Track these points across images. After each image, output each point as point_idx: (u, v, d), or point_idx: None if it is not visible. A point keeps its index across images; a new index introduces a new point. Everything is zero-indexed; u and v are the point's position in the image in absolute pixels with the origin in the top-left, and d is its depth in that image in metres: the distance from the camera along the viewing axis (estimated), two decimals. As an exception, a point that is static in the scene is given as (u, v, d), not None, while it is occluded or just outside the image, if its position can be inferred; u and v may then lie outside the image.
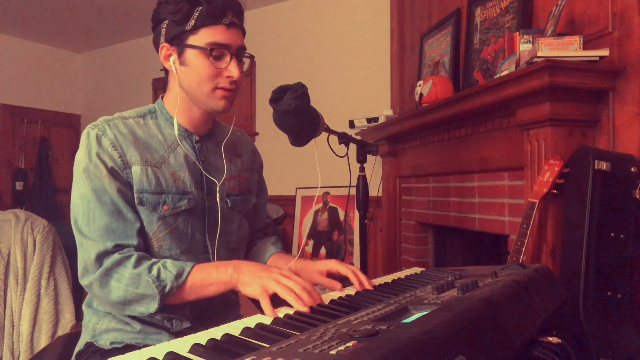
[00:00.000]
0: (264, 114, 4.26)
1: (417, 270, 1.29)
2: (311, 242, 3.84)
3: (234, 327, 0.76)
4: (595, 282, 1.41)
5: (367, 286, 1.06)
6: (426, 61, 2.77)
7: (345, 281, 1.11)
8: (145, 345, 1.04)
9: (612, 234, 1.43)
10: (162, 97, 1.21)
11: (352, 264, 1.66)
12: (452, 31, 2.48)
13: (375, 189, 3.33)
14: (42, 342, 2.09)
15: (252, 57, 1.19)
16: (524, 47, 1.70)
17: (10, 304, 2.11)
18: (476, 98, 1.90)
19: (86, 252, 1.05)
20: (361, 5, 3.75)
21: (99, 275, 1.03)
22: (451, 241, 2.80)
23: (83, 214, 1.06)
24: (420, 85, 2.36)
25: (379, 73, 3.58)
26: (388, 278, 1.16)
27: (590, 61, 1.53)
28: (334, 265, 1.15)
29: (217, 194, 1.19)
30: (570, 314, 1.41)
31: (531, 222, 1.54)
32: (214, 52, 1.09)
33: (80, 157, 1.09)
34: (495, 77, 1.80)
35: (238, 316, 1.29)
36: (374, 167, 3.38)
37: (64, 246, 2.29)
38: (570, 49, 1.53)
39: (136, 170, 1.09)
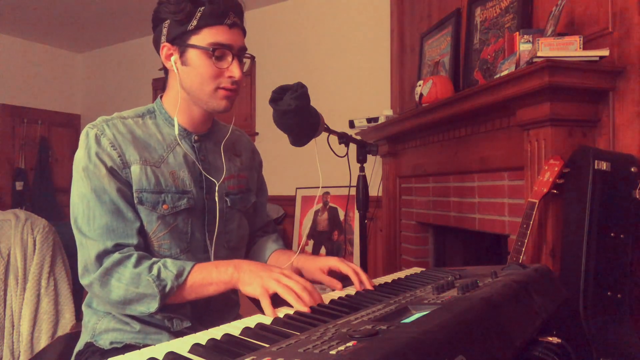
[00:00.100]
0: (264, 114, 4.26)
1: (417, 270, 1.29)
2: (311, 242, 3.84)
3: (234, 327, 0.76)
4: (595, 282, 1.41)
5: (368, 285, 1.06)
6: (426, 61, 2.77)
7: (346, 280, 1.11)
8: (145, 345, 1.05)
9: (612, 234, 1.43)
10: (161, 97, 1.21)
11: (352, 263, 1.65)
12: (452, 31, 2.48)
13: (375, 189, 3.33)
14: (42, 342, 2.09)
15: (252, 58, 1.19)
16: (524, 47, 1.70)
17: (10, 304, 2.11)
18: (476, 98, 1.90)
19: (86, 252, 1.05)
20: (361, 5, 3.75)
21: (100, 275, 1.03)
22: (451, 241, 2.80)
23: (83, 214, 1.06)
24: (420, 85, 2.36)
25: (379, 73, 3.58)
26: (388, 278, 1.16)
27: (590, 61, 1.53)
28: (335, 263, 1.15)
29: (216, 193, 1.19)
30: (570, 314, 1.41)
31: (531, 222, 1.54)
32: (216, 52, 1.09)
33: (79, 156, 1.09)
34: (495, 77, 1.80)
35: (238, 316, 1.29)
36: (374, 167, 3.38)
37: (64, 246, 2.29)
38: (570, 49, 1.53)
39: (135, 170, 1.09)
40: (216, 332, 0.74)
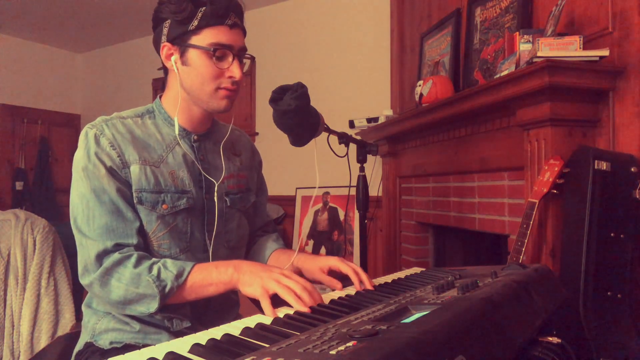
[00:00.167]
0: (264, 114, 4.26)
1: (417, 270, 1.29)
2: (311, 242, 3.84)
3: (234, 327, 0.76)
4: (595, 282, 1.41)
5: (368, 285, 1.06)
6: (426, 61, 2.77)
7: (346, 280, 1.11)
8: (144, 345, 1.05)
9: (612, 234, 1.43)
10: (160, 97, 1.21)
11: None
12: (452, 31, 2.48)
13: (375, 189, 3.33)
14: (42, 342, 2.09)
15: (252, 58, 1.20)
16: (524, 47, 1.70)
17: (10, 304, 2.11)
18: (476, 98, 1.90)
19: (86, 252, 1.05)
20: (361, 5, 3.75)
21: (100, 275, 1.03)
22: (451, 241, 2.80)
23: (82, 214, 1.06)
24: (420, 85, 2.36)
25: (379, 73, 3.58)
26: (388, 278, 1.16)
27: (590, 61, 1.53)
28: (335, 262, 1.15)
29: (216, 193, 1.19)
30: (570, 314, 1.41)
31: (531, 222, 1.54)
32: (217, 52, 1.09)
33: (78, 157, 1.09)
34: (495, 77, 1.80)
35: (238, 315, 1.29)
36: (374, 167, 3.38)
37: (64, 246, 2.29)
38: (570, 49, 1.53)
39: (135, 170, 1.09)
40: (216, 332, 0.74)
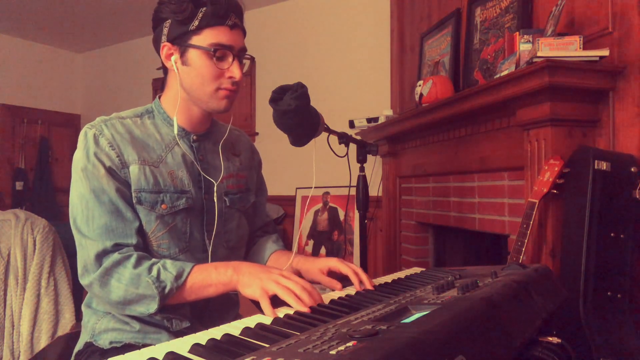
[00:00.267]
0: (264, 114, 4.26)
1: (417, 270, 1.29)
2: (311, 242, 3.84)
3: (234, 327, 0.76)
4: (595, 282, 1.41)
5: (368, 285, 1.06)
6: (426, 61, 2.77)
7: (346, 280, 1.11)
8: (144, 345, 1.05)
9: (612, 234, 1.43)
10: (160, 97, 1.21)
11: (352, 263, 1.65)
12: (452, 31, 2.48)
13: (375, 189, 3.33)
14: (42, 342, 2.09)
15: (252, 59, 1.20)
16: (524, 47, 1.70)
17: (10, 304, 2.11)
18: (476, 98, 1.90)
19: (85, 252, 1.05)
20: (361, 5, 3.75)
21: (99, 275, 1.03)
22: (451, 241, 2.80)
23: (82, 214, 1.06)
24: (420, 85, 2.36)
25: (379, 73, 3.58)
26: (388, 278, 1.16)
27: (590, 61, 1.53)
28: (335, 263, 1.15)
29: (215, 193, 1.19)
30: (570, 314, 1.41)
31: (531, 222, 1.54)
32: (217, 52, 1.09)
33: (78, 157, 1.09)
34: (495, 77, 1.80)
35: (237, 315, 1.29)
36: (374, 167, 3.38)
37: (64, 246, 2.29)
38: (570, 49, 1.53)
39: (134, 170, 1.09)
40: (216, 332, 0.74)
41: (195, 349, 0.66)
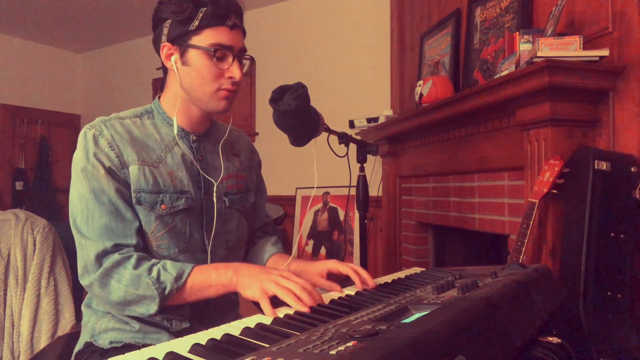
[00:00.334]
0: (264, 114, 4.26)
1: (417, 270, 1.29)
2: (311, 242, 3.84)
3: (234, 327, 0.76)
4: (595, 282, 1.41)
5: (370, 282, 1.06)
6: (426, 61, 2.77)
7: (346, 281, 1.11)
8: (144, 345, 1.05)
9: (612, 234, 1.43)
10: (159, 97, 1.21)
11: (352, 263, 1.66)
12: (452, 31, 2.48)
13: (375, 189, 3.33)
14: (42, 342, 2.09)
15: (252, 59, 1.20)
16: (524, 47, 1.70)
17: (10, 304, 2.11)
18: (476, 98, 1.90)
19: (85, 252, 1.05)
20: (361, 5, 3.75)
21: (99, 276, 1.03)
22: (451, 241, 2.80)
23: (82, 214, 1.06)
24: (420, 85, 2.36)
25: (379, 73, 3.58)
26: (388, 278, 1.16)
27: (590, 61, 1.53)
28: (333, 265, 1.15)
29: (214, 193, 1.19)
30: (570, 314, 1.41)
31: (531, 222, 1.54)
32: (217, 53, 1.09)
33: (77, 157, 1.09)
34: (495, 77, 1.80)
35: (237, 316, 1.29)
36: (374, 167, 3.38)
37: (64, 246, 2.29)
38: (570, 49, 1.53)
39: (133, 170, 1.09)
40: (216, 332, 0.74)
41: (195, 349, 0.66)
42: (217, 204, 1.19)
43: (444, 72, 2.53)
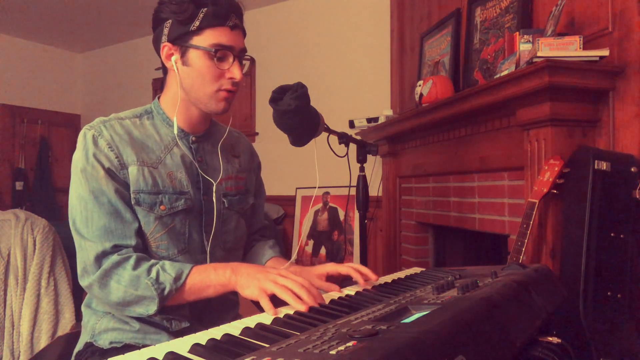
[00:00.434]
0: (264, 114, 4.26)
1: (417, 270, 1.29)
2: (311, 242, 3.84)
3: (234, 327, 0.76)
4: (595, 282, 1.41)
5: (372, 276, 1.07)
6: (426, 61, 2.77)
7: (346, 282, 1.11)
8: (144, 345, 1.05)
9: (612, 234, 1.43)
10: (159, 97, 1.21)
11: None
12: (452, 31, 2.48)
13: (375, 189, 3.33)
14: (42, 342, 2.09)
15: (252, 60, 1.20)
16: (524, 47, 1.70)
17: (10, 304, 2.11)
18: (476, 98, 1.90)
19: (85, 254, 1.05)
20: (361, 5, 3.75)
21: (99, 277, 1.03)
22: (451, 241, 2.80)
23: (81, 215, 1.06)
24: (420, 85, 2.36)
25: (379, 73, 3.58)
26: (388, 278, 1.16)
27: (590, 61, 1.53)
28: (332, 267, 1.15)
29: (214, 193, 1.19)
30: (570, 314, 1.41)
31: (531, 222, 1.54)
32: (218, 53, 1.09)
33: (77, 158, 1.09)
34: (495, 77, 1.80)
35: (237, 316, 1.29)
36: (374, 167, 3.38)
37: (64, 246, 2.29)
38: (570, 49, 1.53)
39: (133, 171, 1.09)
40: (216, 332, 0.74)
41: (195, 349, 0.66)
42: (216, 205, 1.19)
43: (444, 72, 2.53)
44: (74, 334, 1.26)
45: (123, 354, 0.66)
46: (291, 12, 4.17)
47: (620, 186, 1.45)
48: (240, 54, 1.13)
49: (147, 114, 1.19)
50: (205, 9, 1.07)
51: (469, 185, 2.19)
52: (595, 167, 1.44)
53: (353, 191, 1.73)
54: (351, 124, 3.15)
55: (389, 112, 3.02)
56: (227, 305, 1.26)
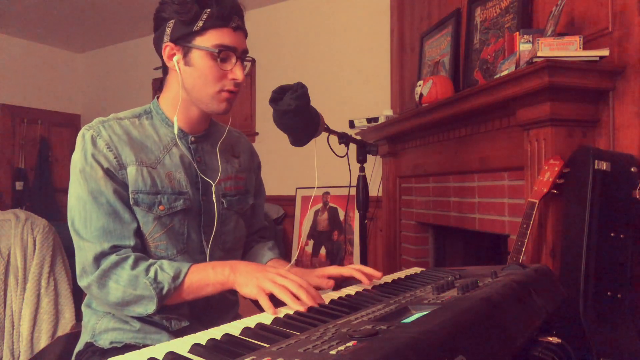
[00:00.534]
0: (264, 114, 4.26)
1: (417, 270, 1.29)
2: (311, 242, 3.84)
3: (234, 327, 0.76)
4: (595, 282, 1.41)
5: (376, 274, 1.08)
6: (426, 61, 2.78)
7: (347, 282, 1.11)
8: (144, 345, 1.05)
9: (612, 234, 1.43)
10: (158, 98, 1.21)
11: (352, 263, 1.66)
12: (452, 31, 2.48)
13: (375, 189, 3.33)
14: (42, 342, 2.09)
15: (253, 61, 1.20)
16: (524, 47, 1.70)
17: (10, 304, 2.11)
18: (476, 98, 1.90)
19: (84, 254, 1.05)
20: (361, 5, 3.75)
21: (97, 277, 1.03)
22: (451, 241, 2.80)
23: (79, 216, 1.06)
24: (420, 85, 2.36)
25: (379, 73, 3.58)
26: (388, 278, 1.16)
27: (590, 61, 1.53)
28: (334, 270, 1.14)
29: (213, 194, 1.18)
30: (570, 314, 1.41)
31: (531, 222, 1.54)
32: (221, 54, 1.09)
33: (76, 158, 1.09)
34: (495, 77, 1.80)
35: (237, 315, 1.29)
36: (374, 167, 3.38)
37: (64, 246, 2.29)
38: (570, 49, 1.53)
39: (131, 171, 1.09)
40: (216, 332, 0.74)
41: (195, 349, 0.66)
42: (215, 205, 1.19)
43: (444, 72, 2.53)
44: (74, 334, 1.26)
45: (123, 353, 0.66)
46: (291, 12, 4.17)
47: (620, 186, 1.45)
48: (242, 55, 1.14)
49: (146, 114, 1.19)
50: (209, 10, 1.07)
51: (469, 185, 2.19)
52: (595, 167, 1.44)
53: (353, 191, 1.73)
54: (351, 124, 3.15)
55: (389, 112, 3.02)
56: (227, 304, 1.26)
